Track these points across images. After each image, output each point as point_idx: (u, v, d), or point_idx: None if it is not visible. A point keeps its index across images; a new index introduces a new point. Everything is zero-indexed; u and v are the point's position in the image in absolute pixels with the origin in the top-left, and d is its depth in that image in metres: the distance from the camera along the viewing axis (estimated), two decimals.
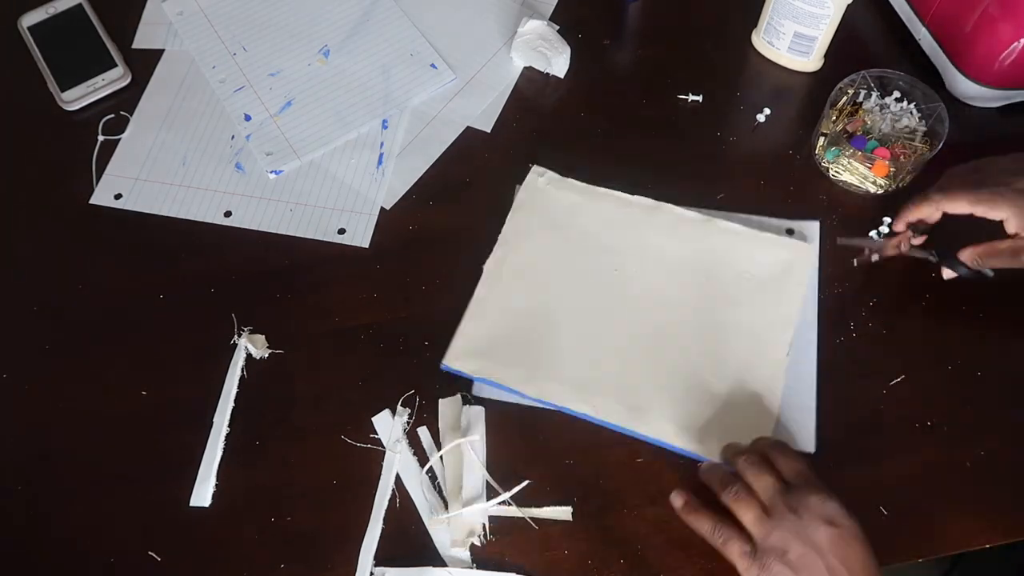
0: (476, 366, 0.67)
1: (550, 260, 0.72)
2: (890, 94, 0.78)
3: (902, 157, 0.74)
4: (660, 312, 0.70)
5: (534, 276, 0.72)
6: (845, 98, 0.77)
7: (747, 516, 0.56)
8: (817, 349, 0.69)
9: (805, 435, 0.65)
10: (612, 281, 0.71)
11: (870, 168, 0.74)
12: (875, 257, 0.70)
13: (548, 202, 0.75)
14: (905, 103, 0.78)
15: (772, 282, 0.70)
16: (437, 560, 0.62)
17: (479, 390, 0.67)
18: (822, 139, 0.76)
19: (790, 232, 0.73)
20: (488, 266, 0.72)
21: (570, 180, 0.75)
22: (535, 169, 0.76)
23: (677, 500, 0.60)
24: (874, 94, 0.78)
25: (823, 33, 0.78)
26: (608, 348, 0.68)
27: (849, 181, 0.76)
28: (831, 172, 0.76)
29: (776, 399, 0.66)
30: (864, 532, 0.55)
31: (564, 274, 0.72)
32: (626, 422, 0.65)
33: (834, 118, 0.77)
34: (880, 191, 0.75)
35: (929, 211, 0.67)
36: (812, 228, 0.73)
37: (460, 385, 0.68)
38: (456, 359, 0.68)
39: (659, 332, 0.69)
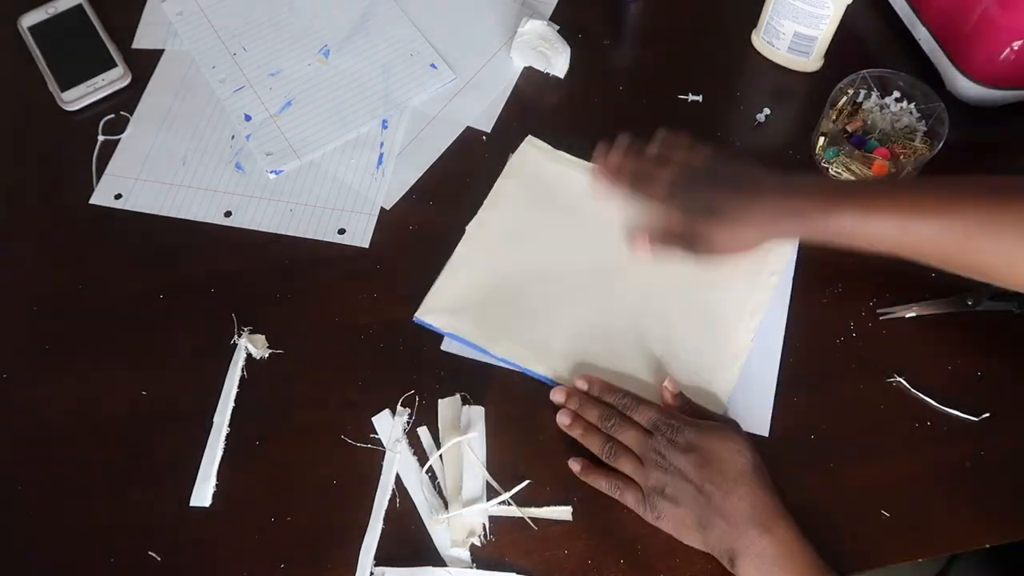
0: (446, 321, 0.69)
1: (532, 227, 0.74)
2: (890, 94, 0.78)
3: (902, 157, 0.74)
4: (633, 287, 0.71)
5: (514, 241, 0.74)
6: (845, 98, 0.77)
7: (627, 468, 0.62)
8: (810, 349, 0.69)
9: (760, 420, 0.66)
10: (590, 252, 0.73)
11: (870, 168, 0.74)
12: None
13: (537, 171, 0.77)
14: (905, 103, 0.78)
15: (748, 267, 0.71)
16: (437, 560, 0.62)
17: (447, 345, 0.69)
18: (822, 139, 0.76)
19: None
20: (470, 227, 0.74)
21: (561, 152, 0.77)
22: (529, 139, 0.78)
23: (575, 465, 0.64)
24: (874, 94, 0.78)
25: (823, 33, 0.78)
26: (577, 316, 0.70)
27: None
28: (831, 172, 0.76)
29: (731, 382, 0.67)
30: (730, 439, 0.60)
31: (543, 242, 0.74)
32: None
33: (834, 118, 0.77)
34: None
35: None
36: None
37: (460, 385, 0.68)
38: (428, 313, 0.70)
39: (630, 306, 0.71)
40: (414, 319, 0.70)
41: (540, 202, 0.75)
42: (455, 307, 0.70)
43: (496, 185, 0.76)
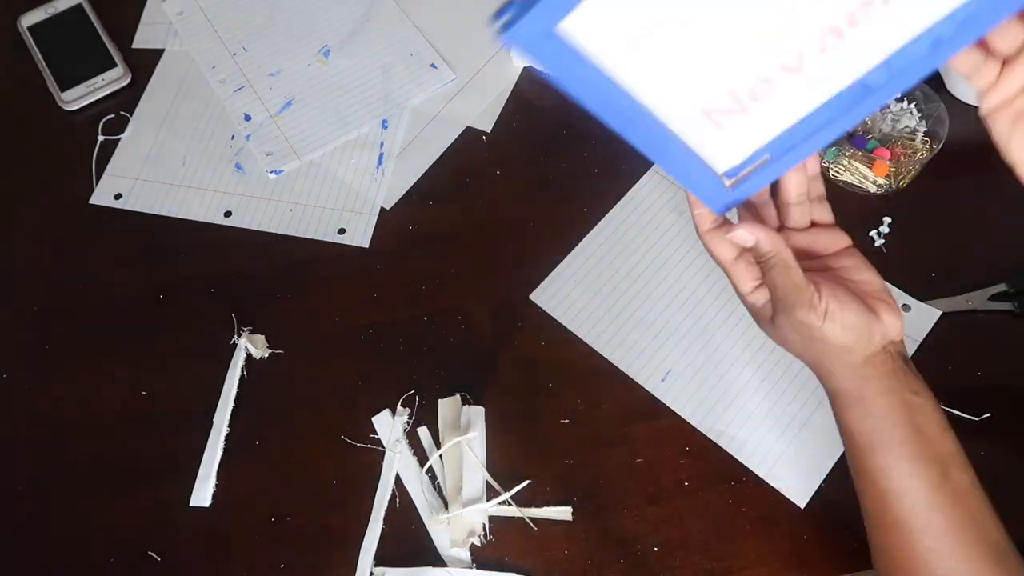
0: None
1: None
2: None
3: (902, 157, 0.74)
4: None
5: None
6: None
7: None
8: None
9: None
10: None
11: (870, 168, 0.74)
12: None
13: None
14: (905, 103, 0.78)
15: None
16: (437, 560, 0.62)
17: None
18: None
19: None
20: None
21: None
22: None
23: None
24: None
25: None
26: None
27: (849, 181, 0.76)
28: (831, 172, 0.76)
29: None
30: None
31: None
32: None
33: None
34: (880, 191, 0.75)
35: None
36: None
37: (460, 385, 0.68)
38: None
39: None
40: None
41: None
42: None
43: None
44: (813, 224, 0.53)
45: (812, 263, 0.52)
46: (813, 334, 0.49)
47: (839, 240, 0.53)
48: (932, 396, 0.51)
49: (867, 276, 0.52)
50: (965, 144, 0.75)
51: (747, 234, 0.48)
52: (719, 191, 0.48)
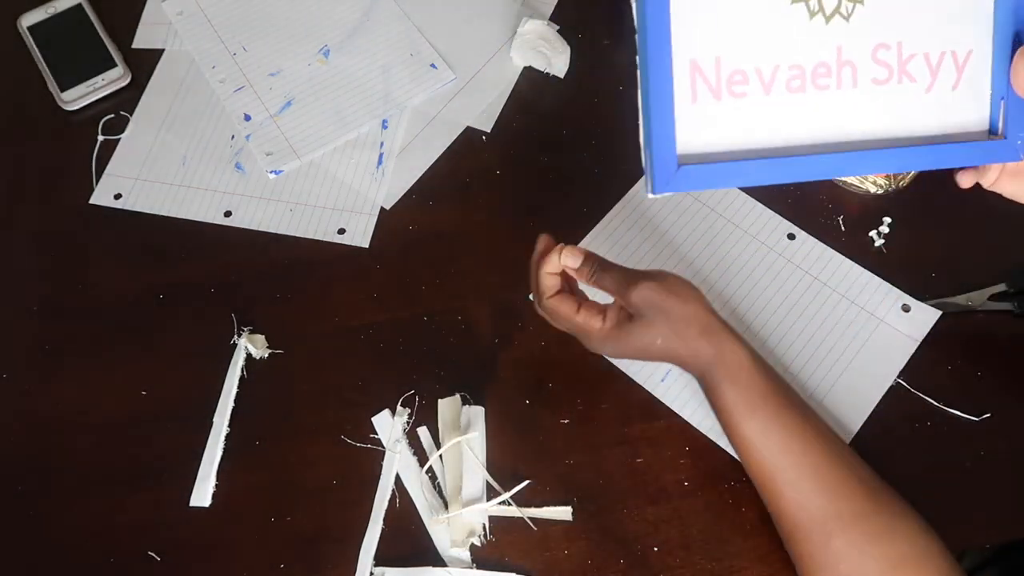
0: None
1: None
2: None
3: None
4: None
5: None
6: None
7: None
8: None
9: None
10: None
11: None
12: None
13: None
14: None
15: None
16: (437, 560, 0.62)
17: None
18: None
19: (791, 237, 0.73)
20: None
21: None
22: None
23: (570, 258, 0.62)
24: None
25: None
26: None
27: (849, 180, 0.76)
28: None
29: None
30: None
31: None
32: None
33: None
34: (880, 191, 0.75)
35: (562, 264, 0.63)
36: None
37: (460, 385, 0.68)
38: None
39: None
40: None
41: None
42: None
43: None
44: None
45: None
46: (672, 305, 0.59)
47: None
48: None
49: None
50: None
51: (570, 257, 0.61)
52: (668, 165, 0.50)
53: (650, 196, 0.51)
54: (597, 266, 0.61)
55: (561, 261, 0.61)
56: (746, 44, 0.50)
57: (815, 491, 0.56)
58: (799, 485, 0.56)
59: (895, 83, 0.53)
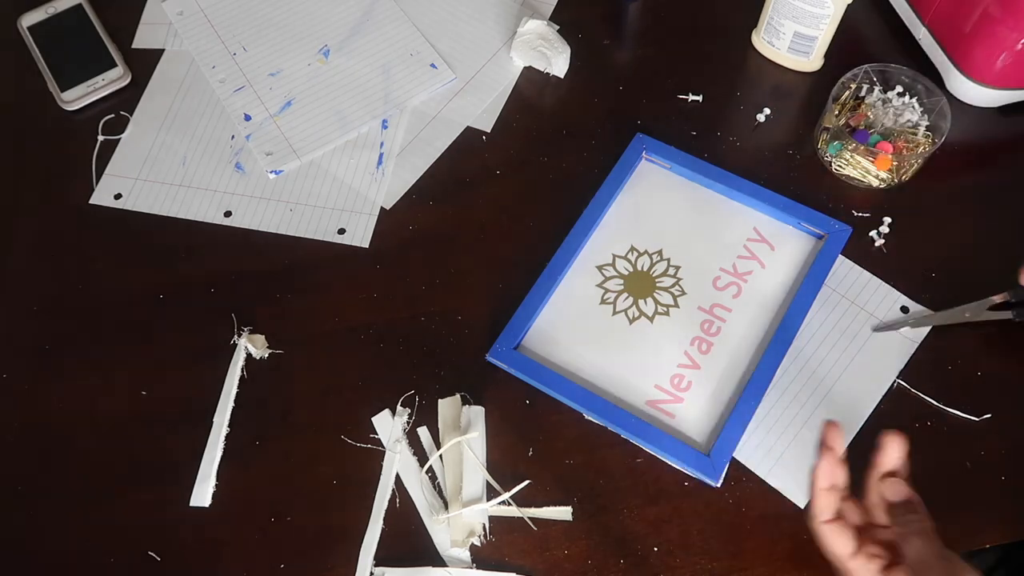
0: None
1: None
2: (892, 88, 0.78)
3: (904, 151, 0.74)
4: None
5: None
6: (847, 92, 0.77)
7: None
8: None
9: None
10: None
11: (872, 162, 0.74)
12: None
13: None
14: (907, 97, 0.78)
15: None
16: (437, 560, 0.62)
17: None
18: (825, 133, 0.76)
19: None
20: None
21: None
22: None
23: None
24: (876, 88, 0.78)
25: (823, 33, 0.78)
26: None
27: (852, 175, 0.76)
28: (834, 166, 0.76)
29: None
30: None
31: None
32: None
33: (836, 112, 0.77)
34: (882, 185, 0.75)
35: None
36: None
37: (460, 385, 0.68)
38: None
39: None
40: None
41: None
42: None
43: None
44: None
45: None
46: None
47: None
48: None
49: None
50: (965, 144, 0.75)
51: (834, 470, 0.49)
52: (699, 458, 0.63)
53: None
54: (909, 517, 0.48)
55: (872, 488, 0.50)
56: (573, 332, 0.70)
57: None
58: None
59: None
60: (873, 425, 0.66)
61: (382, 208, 0.76)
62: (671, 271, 0.71)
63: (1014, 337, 0.69)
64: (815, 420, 0.66)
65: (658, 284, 0.71)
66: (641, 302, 0.70)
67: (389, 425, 0.67)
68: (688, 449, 0.63)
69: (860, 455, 0.65)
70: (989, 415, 0.66)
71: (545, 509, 0.64)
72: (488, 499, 0.63)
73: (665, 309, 0.70)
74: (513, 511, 0.63)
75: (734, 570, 0.61)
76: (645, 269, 0.71)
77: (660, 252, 0.72)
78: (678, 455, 0.63)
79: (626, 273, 0.71)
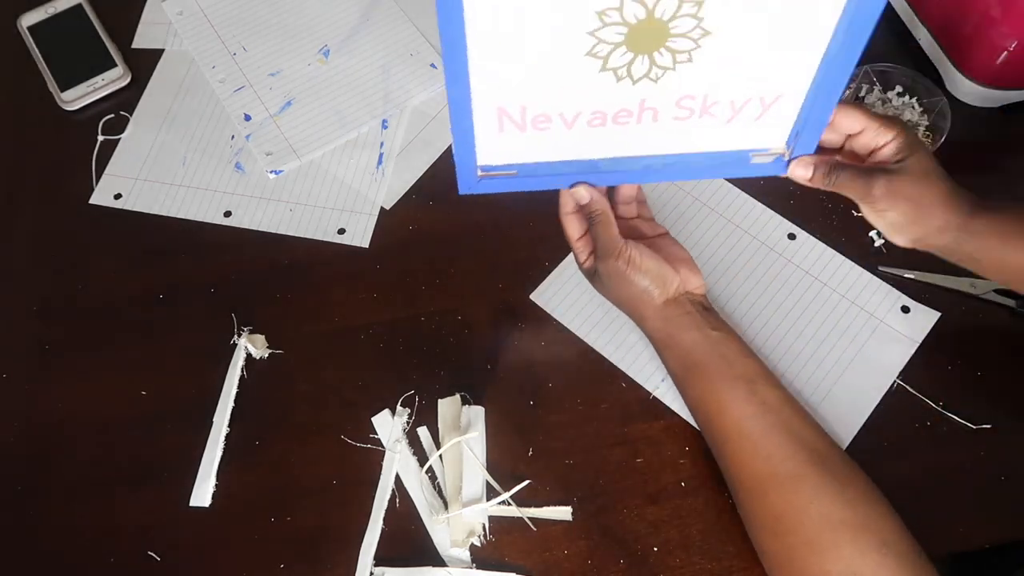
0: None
1: None
2: (892, 88, 0.78)
3: None
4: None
5: None
6: (848, 92, 0.77)
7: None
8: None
9: None
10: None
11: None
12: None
13: None
14: (907, 97, 0.78)
15: None
16: (437, 560, 0.62)
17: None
18: None
19: (791, 237, 0.73)
20: None
21: None
22: None
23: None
24: (876, 88, 0.78)
25: None
26: None
27: None
28: None
29: None
30: None
31: None
32: None
33: None
34: None
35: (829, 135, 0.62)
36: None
37: (460, 385, 0.68)
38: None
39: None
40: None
41: None
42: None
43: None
44: (639, 217, 0.68)
45: (636, 239, 0.64)
46: (621, 278, 0.62)
47: (658, 228, 0.68)
48: (732, 330, 0.63)
49: (677, 249, 0.66)
50: (965, 144, 0.75)
51: (583, 191, 0.62)
52: (471, 176, 0.60)
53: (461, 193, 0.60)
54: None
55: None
56: (550, 97, 0.55)
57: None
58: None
59: (696, 119, 0.57)
60: (873, 425, 0.66)
61: (382, 208, 0.76)
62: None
63: (1015, 338, 0.69)
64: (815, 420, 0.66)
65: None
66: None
67: (389, 425, 0.67)
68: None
69: (860, 455, 0.66)
70: (988, 415, 0.66)
71: (545, 509, 0.64)
72: (488, 499, 0.63)
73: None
74: (513, 511, 0.63)
75: (734, 570, 0.61)
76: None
77: None
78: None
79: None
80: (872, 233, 0.74)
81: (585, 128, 0.57)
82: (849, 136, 0.61)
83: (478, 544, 0.62)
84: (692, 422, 0.66)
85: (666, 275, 0.62)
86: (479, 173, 0.60)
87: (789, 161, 0.60)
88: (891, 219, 0.60)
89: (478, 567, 0.61)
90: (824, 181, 0.60)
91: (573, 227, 0.65)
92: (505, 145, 0.58)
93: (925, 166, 0.60)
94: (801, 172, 0.60)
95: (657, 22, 0.50)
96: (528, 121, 0.56)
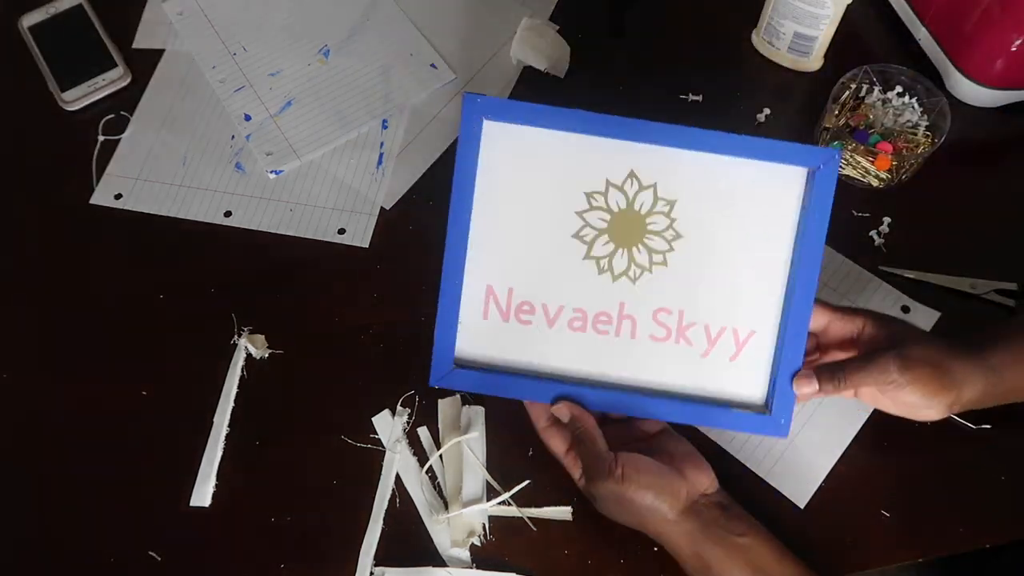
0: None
1: None
2: (892, 89, 0.78)
3: (904, 151, 0.74)
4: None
5: None
6: (848, 92, 0.78)
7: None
8: None
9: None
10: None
11: (872, 162, 0.74)
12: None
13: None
14: (907, 98, 0.78)
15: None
16: (437, 560, 0.62)
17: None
18: (825, 133, 0.76)
19: None
20: None
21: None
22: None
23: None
24: (876, 88, 0.78)
25: (823, 33, 0.78)
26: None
27: (851, 175, 0.76)
28: None
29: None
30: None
31: None
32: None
33: (836, 112, 0.77)
34: (882, 185, 0.75)
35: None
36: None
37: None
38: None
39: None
40: None
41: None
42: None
43: None
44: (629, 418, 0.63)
45: (633, 444, 0.60)
46: (621, 497, 0.56)
47: (653, 426, 0.62)
48: (761, 530, 0.58)
49: (677, 445, 0.61)
50: (965, 144, 0.75)
51: (564, 409, 0.59)
52: (446, 363, 0.61)
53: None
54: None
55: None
56: (536, 283, 0.60)
57: None
58: None
59: (672, 343, 0.59)
60: (873, 425, 0.66)
61: (382, 208, 0.76)
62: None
63: None
64: (815, 420, 0.66)
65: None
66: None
67: (389, 425, 0.67)
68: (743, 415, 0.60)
69: (860, 455, 0.66)
70: (988, 425, 0.66)
71: (545, 509, 0.64)
72: (488, 499, 0.63)
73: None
74: (513, 511, 0.63)
75: None
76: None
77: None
78: (735, 423, 0.61)
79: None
80: (871, 233, 0.74)
81: (566, 331, 0.60)
82: (818, 336, 0.61)
83: (478, 544, 0.62)
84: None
85: (672, 484, 0.56)
86: (454, 363, 0.61)
87: (772, 412, 0.60)
88: (919, 392, 0.57)
89: (478, 567, 0.61)
90: (833, 385, 0.58)
91: (556, 442, 0.60)
92: (487, 334, 0.61)
93: (913, 332, 0.59)
94: (808, 389, 0.58)
95: (636, 214, 0.59)
96: (512, 307, 0.60)
